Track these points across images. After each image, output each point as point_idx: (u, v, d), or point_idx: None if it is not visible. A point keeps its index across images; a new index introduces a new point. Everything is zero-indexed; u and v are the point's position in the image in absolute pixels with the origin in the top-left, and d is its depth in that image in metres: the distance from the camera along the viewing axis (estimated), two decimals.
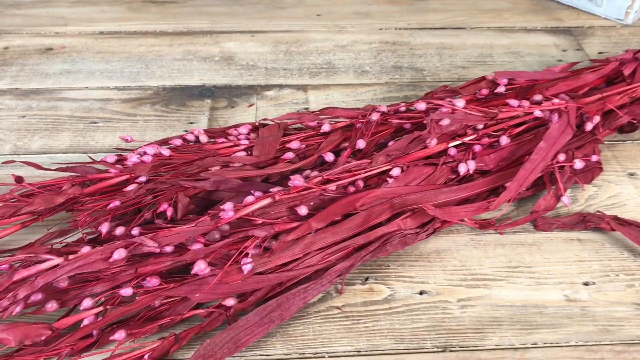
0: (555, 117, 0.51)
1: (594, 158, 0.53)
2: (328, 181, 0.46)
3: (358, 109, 0.57)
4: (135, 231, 0.42)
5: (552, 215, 0.51)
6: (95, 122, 0.60)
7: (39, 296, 0.37)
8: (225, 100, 0.63)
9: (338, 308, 0.44)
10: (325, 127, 0.54)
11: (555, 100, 0.53)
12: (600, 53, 0.71)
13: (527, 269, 0.47)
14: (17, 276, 0.34)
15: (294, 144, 0.52)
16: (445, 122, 0.49)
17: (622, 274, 0.47)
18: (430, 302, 0.45)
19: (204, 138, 0.52)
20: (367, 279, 0.46)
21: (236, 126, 0.55)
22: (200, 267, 0.39)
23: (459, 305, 0.44)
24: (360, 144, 0.51)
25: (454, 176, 0.50)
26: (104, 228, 0.42)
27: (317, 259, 0.44)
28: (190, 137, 0.53)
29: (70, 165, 0.48)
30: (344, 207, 0.45)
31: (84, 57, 0.69)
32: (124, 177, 0.45)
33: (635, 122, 0.58)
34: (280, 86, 0.65)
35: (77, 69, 0.67)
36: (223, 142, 0.52)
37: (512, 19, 0.77)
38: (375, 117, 0.53)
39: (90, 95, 0.63)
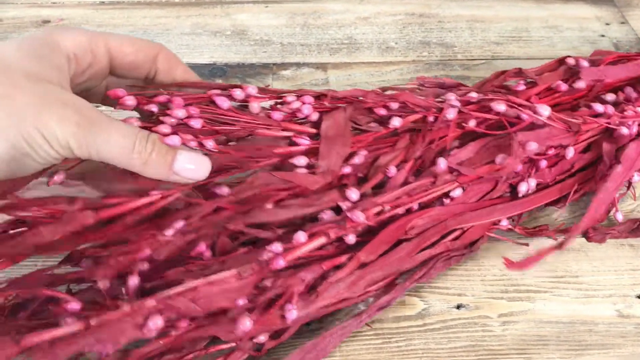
0: (635, 129, 0.45)
1: None
2: (382, 211, 0.39)
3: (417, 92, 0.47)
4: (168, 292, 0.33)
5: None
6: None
7: None
8: (238, 80, 0.58)
9: (367, 325, 0.40)
10: (396, 122, 0.42)
11: None
12: None
13: (574, 278, 0.43)
14: (26, 341, 0.29)
15: (359, 159, 0.41)
16: (533, 146, 0.42)
17: None
18: (468, 318, 0.41)
19: (256, 107, 0.40)
20: None
21: (298, 94, 0.42)
22: (246, 325, 0.33)
23: (500, 322, 0.40)
24: (442, 164, 0.42)
25: (510, 191, 0.45)
26: (133, 281, 0.33)
27: (359, 292, 0.39)
28: (239, 94, 0.40)
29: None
30: (395, 233, 0.39)
31: None
32: (156, 200, 0.35)
33: None
34: (298, 64, 0.60)
35: None
36: (283, 132, 0.40)
37: None
38: (452, 114, 0.43)
39: None
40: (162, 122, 0.36)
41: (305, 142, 0.40)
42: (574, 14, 0.67)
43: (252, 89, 0.40)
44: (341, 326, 0.37)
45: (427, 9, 0.67)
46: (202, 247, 0.35)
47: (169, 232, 0.34)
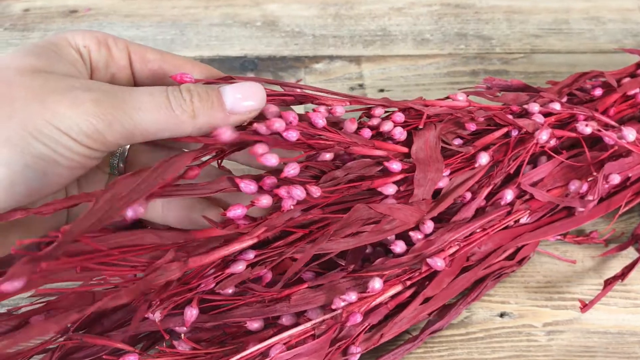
0: None
1: None
2: (458, 250, 0.37)
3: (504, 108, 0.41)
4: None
5: None
6: None
7: None
8: (270, 74, 0.57)
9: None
10: (483, 160, 0.38)
11: None
12: None
13: (622, 287, 0.42)
14: None
15: (443, 182, 0.37)
16: (616, 180, 0.40)
17: None
18: (512, 327, 0.39)
19: (351, 127, 0.35)
20: None
21: (384, 104, 0.37)
22: None
23: (546, 331, 0.39)
24: (509, 195, 0.39)
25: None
26: (192, 313, 0.31)
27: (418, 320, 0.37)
28: (319, 120, 0.33)
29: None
30: (459, 263, 0.38)
31: (112, 22, 0.62)
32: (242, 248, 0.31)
33: None
34: (331, 57, 0.58)
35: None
36: (379, 151, 0.35)
37: None
38: (545, 136, 0.38)
39: None
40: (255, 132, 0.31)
41: (397, 168, 0.35)
42: (616, 5, 0.64)
43: (340, 109, 0.35)
44: (392, 354, 0.36)
45: None
46: (262, 270, 0.33)
47: (240, 267, 0.32)
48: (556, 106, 0.40)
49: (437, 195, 0.37)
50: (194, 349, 0.31)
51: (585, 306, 0.38)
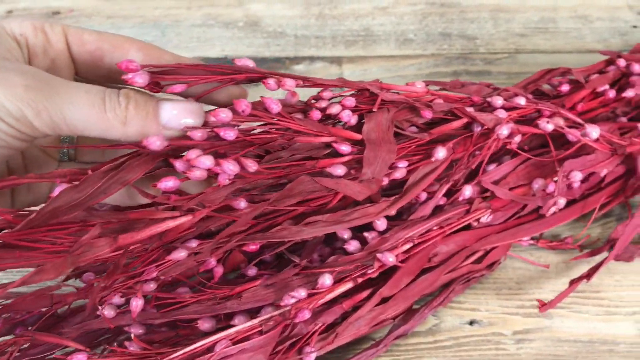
0: None
1: None
2: (414, 246, 0.37)
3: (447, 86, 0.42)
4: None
5: None
6: None
7: None
8: None
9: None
10: (440, 154, 0.37)
11: None
12: None
13: (595, 294, 0.41)
14: None
15: (400, 173, 0.37)
16: (577, 177, 0.40)
17: None
18: (481, 335, 0.39)
19: (291, 99, 0.35)
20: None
21: (340, 84, 0.37)
22: None
23: (515, 340, 0.39)
24: (467, 192, 0.38)
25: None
26: (138, 303, 0.31)
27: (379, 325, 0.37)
28: (273, 84, 0.34)
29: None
30: (418, 263, 0.37)
31: (94, 23, 0.62)
32: (185, 222, 0.31)
33: None
34: (312, 58, 0.58)
35: None
36: (325, 136, 0.35)
37: None
38: (506, 131, 0.38)
39: None
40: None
41: (346, 150, 0.35)
42: (605, 3, 0.63)
43: (290, 82, 0.34)
44: (357, 357, 0.36)
45: None
46: (211, 262, 0.34)
47: (182, 254, 0.32)
48: (521, 101, 0.39)
49: (398, 191, 0.37)
50: (144, 349, 0.31)
51: (543, 305, 0.38)
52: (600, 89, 0.43)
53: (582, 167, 0.39)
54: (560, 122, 0.39)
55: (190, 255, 0.32)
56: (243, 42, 0.60)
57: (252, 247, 0.34)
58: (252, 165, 0.31)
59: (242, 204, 0.33)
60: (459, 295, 0.40)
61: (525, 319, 0.40)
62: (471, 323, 0.40)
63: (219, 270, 0.34)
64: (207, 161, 0.30)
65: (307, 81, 0.35)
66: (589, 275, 0.39)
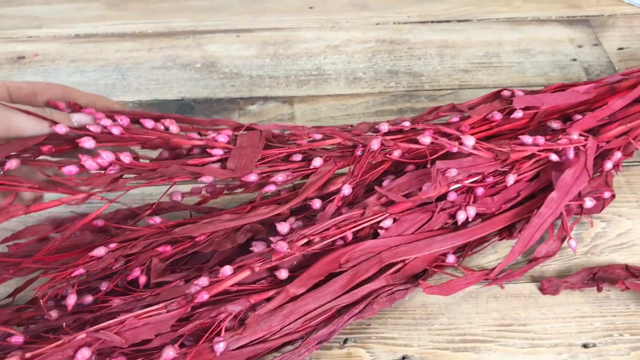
0: (571, 154, 0.46)
1: (607, 195, 0.48)
2: (310, 242, 0.42)
3: (354, 129, 0.49)
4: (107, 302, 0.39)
5: (555, 260, 0.47)
6: None
7: None
8: (205, 116, 0.59)
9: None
10: (317, 163, 0.46)
11: (574, 137, 0.46)
12: (620, 49, 0.64)
13: (522, 327, 0.43)
14: None
15: (280, 178, 0.46)
16: (452, 172, 0.44)
17: (626, 333, 0.43)
18: None
19: (174, 129, 0.45)
20: (345, 341, 0.43)
21: (217, 127, 0.47)
22: (169, 355, 0.36)
23: None
24: (346, 190, 0.45)
25: (451, 221, 0.46)
26: (71, 300, 0.39)
27: (297, 326, 0.40)
28: (160, 126, 0.45)
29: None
30: (328, 266, 0.41)
31: (58, 67, 0.64)
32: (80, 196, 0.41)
33: None
34: (265, 99, 0.61)
35: (50, 81, 0.63)
36: (196, 140, 0.45)
37: (525, 7, 0.70)
38: (375, 145, 0.45)
39: None
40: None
41: (219, 153, 0.44)
42: (547, 36, 0.66)
43: (173, 127, 0.44)
44: (280, 358, 0.39)
45: (398, 34, 0.67)
46: (136, 272, 0.40)
47: (101, 251, 0.40)
48: (406, 124, 0.46)
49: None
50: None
51: (429, 287, 0.42)
52: (488, 116, 0.49)
53: (457, 166, 0.44)
54: (438, 136, 0.45)
55: (109, 253, 0.40)
56: (200, 83, 0.62)
57: (165, 249, 0.41)
58: (125, 157, 0.41)
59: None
60: (393, 331, 0.43)
61: (455, 354, 0.42)
62: (404, 358, 0.42)
63: (143, 278, 0.41)
64: (90, 143, 0.40)
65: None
66: (494, 269, 0.44)
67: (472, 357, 0.42)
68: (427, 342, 0.43)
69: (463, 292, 0.45)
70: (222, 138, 0.45)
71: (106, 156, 0.40)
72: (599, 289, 0.45)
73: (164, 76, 0.63)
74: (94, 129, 0.41)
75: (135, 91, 0.62)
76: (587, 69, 0.62)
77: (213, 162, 0.44)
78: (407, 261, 0.43)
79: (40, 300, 0.39)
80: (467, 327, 0.44)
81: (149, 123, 0.43)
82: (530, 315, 0.44)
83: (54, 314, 0.40)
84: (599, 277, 0.45)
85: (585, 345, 0.42)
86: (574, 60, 0.63)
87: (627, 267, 0.45)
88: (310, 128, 0.47)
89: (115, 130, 0.41)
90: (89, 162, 0.40)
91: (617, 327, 0.43)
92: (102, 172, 0.41)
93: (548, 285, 0.45)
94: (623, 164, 0.53)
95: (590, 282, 0.45)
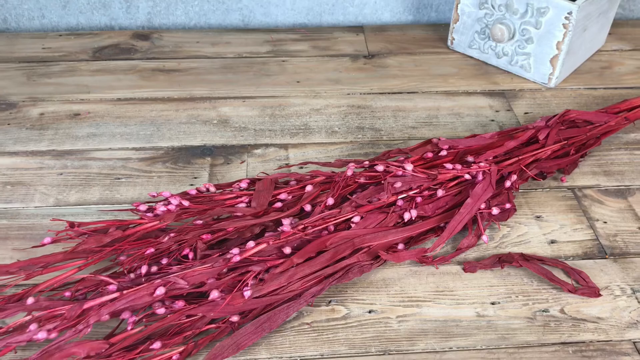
0: (480, 176, 0.68)
1: (507, 206, 0.70)
2: (306, 227, 0.62)
3: (331, 164, 0.72)
4: (168, 269, 0.57)
5: (474, 251, 0.67)
6: (119, 178, 0.75)
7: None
8: (222, 158, 0.79)
9: (307, 324, 0.59)
10: (308, 188, 0.67)
11: (482, 164, 0.69)
12: (526, 113, 0.88)
13: (450, 292, 0.63)
14: (86, 305, 0.50)
15: (283, 196, 0.67)
16: (398, 184, 0.65)
17: (520, 295, 0.63)
18: (376, 319, 0.60)
19: (213, 189, 0.67)
20: (330, 301, 0.62)
21: (238, 181, 0.69)
22: (215, 295, 0.55)
23: (397, 321, 0.60)
24: (330, 201, 0.66)
25: (400, 220, 0.66)
26: (143, 270, 0.57)
27: (297, 285, 0.59)
28: (203, 189, 0.67)
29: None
30: (318, 246, 0.61)
31: (106, 122, 0.85)
32: (156, 224, 0.60)
33: (544, 173, 0.75)
34: (267, 145, 0.81)
35: (101, 132, 0.83)
36: (228, 194, 0.67)
37: (457, 83, 0.94)
38: (349, 173, 0.68)
39: (113, 155, 0.79)
40: None
41: (246, 199, 0.66)
42: (473, 103, 0.90)
43: (212, 188, 0.68)
44: (286, 306, 0.58)
45: (363, 101, 0.90)
46: (186, 250, 0.59)
47: (166, 238, 0.58)
48: (366, 163, 0.69)
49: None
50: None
51: (386, 255, 0.63)
52: (424, 155, 0.72)
53: (402, 181, 0.66)
54: (388, 167, 0.68)
55: (169, 238, 0.60)
56: (217, 134, 0.83)
57: (207, 236, 0.61)
58: (185, 202, 0.64)
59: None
60: (363, 295, 0.62)
61: (405, 309, 0.61)
62: (370, 312, 0.61)
63: (191, 254, 0.60)
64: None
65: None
66: (429, 249, 0.65)
67: (416, 310, 0.61)
68: (386, 302, 0.62)
69: (410, 270, 0.65)
70: (244, 184, 0.67)
71: (173, 201, 0.63)
72: (502, 267, 0.65)
73: (189, 129, 0.84)
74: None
75: (168, 139, 0.82)
76: (502, 127, 0.85)
77: (242, 202, 0.66)
78: (371, 246, 0.63)
79: (124, 269, 0.57)
80: (413, 292, 0.63)
81: (193, 192, 0.68)
82: (456, 285, 0.64)
83: (132, 276, 0.58)
84: (502, 260, 0.66)
85: (493, 303, 0.62)
86: (492, 120, 0.87)
87: (522, 254, 0.66)
88: (304, 175, 0.69)
89: (185, 203, 0.64)
90: (161, 208, 0.63)
91: (514, 292, 0.63)
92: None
93: (468, 266, 0.65)
94: (523, 189, 0.75)
95: (497, 264, 0.66)
